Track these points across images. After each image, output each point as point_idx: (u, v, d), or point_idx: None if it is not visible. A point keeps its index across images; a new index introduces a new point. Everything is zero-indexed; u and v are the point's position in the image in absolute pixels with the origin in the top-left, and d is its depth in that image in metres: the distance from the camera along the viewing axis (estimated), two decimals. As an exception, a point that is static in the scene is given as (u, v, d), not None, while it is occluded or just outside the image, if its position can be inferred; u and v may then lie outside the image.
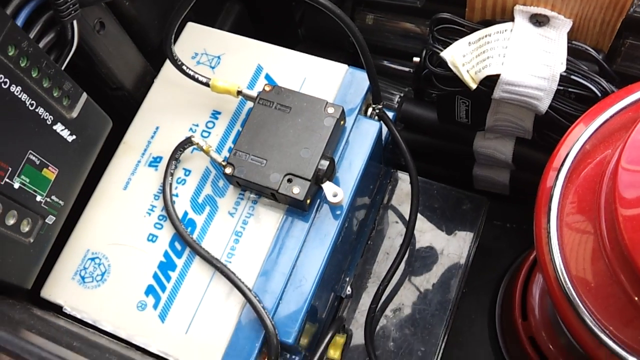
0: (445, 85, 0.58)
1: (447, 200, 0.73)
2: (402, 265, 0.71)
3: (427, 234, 0.72)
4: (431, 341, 0.67)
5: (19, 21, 0.45)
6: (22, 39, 0.43)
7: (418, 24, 0.74)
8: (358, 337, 0.67)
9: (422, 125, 0.73)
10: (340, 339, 0.64)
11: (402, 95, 0.75)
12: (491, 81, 0.54)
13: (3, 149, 0.44)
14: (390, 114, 0.63)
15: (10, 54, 0.42)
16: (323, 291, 0.59)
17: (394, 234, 0.72)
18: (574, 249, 0.44)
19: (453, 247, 0.71)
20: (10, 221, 0.47)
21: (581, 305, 0.42)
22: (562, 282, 0.43)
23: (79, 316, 0.54)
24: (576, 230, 0.45)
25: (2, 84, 0.42)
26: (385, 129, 0.63)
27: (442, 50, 0.55)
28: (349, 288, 0.67)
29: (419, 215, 0.73)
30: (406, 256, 0.71)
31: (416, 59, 0.60)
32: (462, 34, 0.56)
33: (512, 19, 0.54)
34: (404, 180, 0.74)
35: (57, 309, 0.55)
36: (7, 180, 0.45)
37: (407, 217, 0.65)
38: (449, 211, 0.73)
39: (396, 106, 0.74)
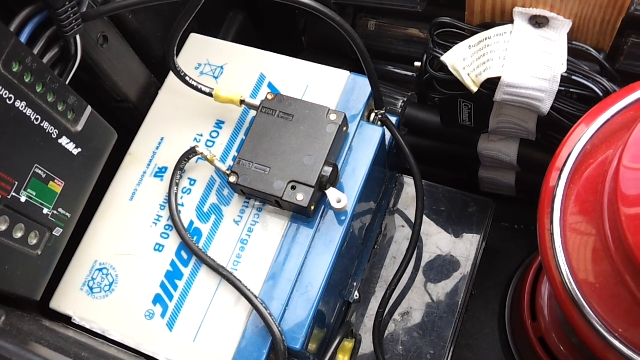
0: (447, 89, 0.58)
1: (453, 203, 0.73)
2: (410, 269, 0.71)
3: (434, 237, 0.72)
4: (440, 344, 0.67)
5: (23, 37, 0.46)
6: (26, 55, 0.44)
7: (420, 28, 0.74)
8: (367, 342, 0.68)
9: (426, 129, 0.74)
10: (349, 344, 0.64)
11: (405, 99, 0.75)
12: (492, 84, 0.54)
13: (9, 164, 0.45)
14: (394, 119, 0.64)
15: (15, 70, 0.43)
16: (330, 297, 0.59)
17: (401, 238, 0.72)
18: (578, 250, 0.44)
19: (460, 249, 0.71)
20: (18, 234, 0.48)
21: (587, 307, 0.42)
22: (567, 283, 0.43)
23: (87, 326, 0.55)
24: (580, 231, 0.45)
25: (7, 100, 0.43)
26: (389, 134, 0.63)
27: (442, 55, 0.55)
28: (356, 293, 0.67)
29: (425, 219, 0.73)
30: (413, 260, 0.71)
31: (417, 64, 0.60)
32: (463, 38, 0.56)
33: (511, 22, 0.54)
34: (409, 185, 0.74)
35: (66, 320, 0.56)
36: (14, 194, 0.46)
37: (413, 221, 0.65)
38: (455, 214, 0.73)
39: (400, 111, 0.74)
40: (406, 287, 0.71)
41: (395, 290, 0.66)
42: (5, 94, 0.43)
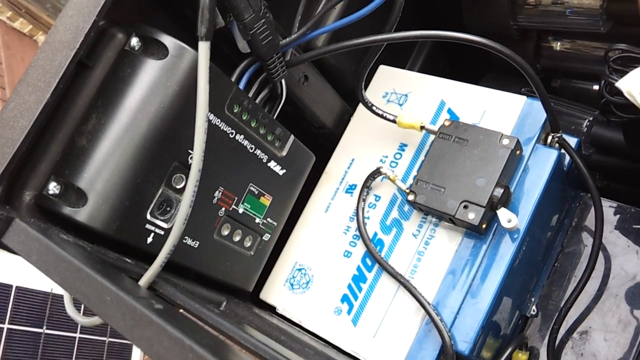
0: (625, 113, 0.59)
1: (642, 224, 0.71)
2: (594, 290, 0.70)
3: (618, 258, 0.71)
4: (621, 367, 0.67)
5: (241, 85, 0.58)
6: (244, 99, 0.55)
7: (606, 47, 0.73)
8: (544, 358, 0.69)
9: (614, 148, 0.73)
10: (522, 356, 0.67)
11: (591, 119, 0.75)
12: (672, 108, 0.53)
13: (231, 183, 0.57)
14: (573, 140, 0.65)
15: (235, 111, 0.55)
16: (504, 309, 0.63)
17: (583, 257, 0.72)
18: None
19: (647, 272, 0.69)
20: (237, 238, 0.60)
21: None
22: None
23: (288, 316, 0.66)
24: None
25: (230, 135, 0.55)
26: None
27: (617, 80, 0.56)
28: (534, 308, 0.69)
29: (610, 239, 0.72)
30: (599, 280, 0.70)
31: (596, 87, 0.61)
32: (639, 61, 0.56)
33: (693, 45, 0.53)
34: (593, 204, 0.73)
35: (271, 309, 0.67)
36: (234, 206, 0.58)
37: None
38: (643, 235, 0.71)
39: (585, 130, 0.74)
40: (588, 307, 0.70)
41: (575, 308, 0.67)
42: (228, 130, 0.55)
